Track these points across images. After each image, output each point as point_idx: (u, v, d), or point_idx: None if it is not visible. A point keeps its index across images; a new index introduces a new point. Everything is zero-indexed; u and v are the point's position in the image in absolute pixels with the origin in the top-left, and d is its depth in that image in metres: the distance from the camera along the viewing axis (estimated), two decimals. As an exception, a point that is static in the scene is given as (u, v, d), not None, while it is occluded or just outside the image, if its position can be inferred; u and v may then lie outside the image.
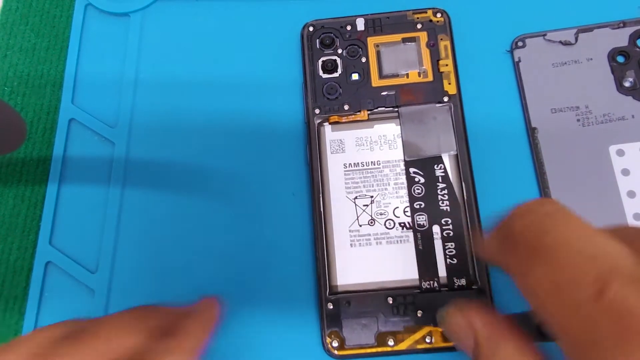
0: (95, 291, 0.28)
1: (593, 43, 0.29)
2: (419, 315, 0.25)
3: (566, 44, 0.29)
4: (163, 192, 0.29)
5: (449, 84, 0.28)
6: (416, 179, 0.27)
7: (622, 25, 0.29)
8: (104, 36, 0.32)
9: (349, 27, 0.30)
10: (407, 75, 0.29)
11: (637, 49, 0.28)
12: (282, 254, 0.27)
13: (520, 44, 0.29)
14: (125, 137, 0.30)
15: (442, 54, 0.29)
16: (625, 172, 0.27)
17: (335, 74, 0.29)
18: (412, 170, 0.27)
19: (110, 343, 0.20)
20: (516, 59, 0.29)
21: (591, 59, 0.28)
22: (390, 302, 0.26)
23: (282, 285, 0.27)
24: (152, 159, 0.30)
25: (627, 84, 0.28)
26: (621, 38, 0.28)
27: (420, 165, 0.27)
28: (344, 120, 0.28)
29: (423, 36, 0.29)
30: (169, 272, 0.28)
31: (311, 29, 0.30)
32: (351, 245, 0.27)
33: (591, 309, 0.13)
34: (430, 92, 0.28)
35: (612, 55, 0.28)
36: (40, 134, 0.31)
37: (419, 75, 0.29)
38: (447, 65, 0.29)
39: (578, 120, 0.28)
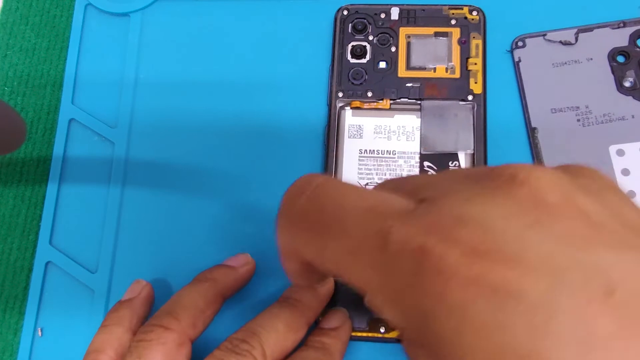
0: (95, 291, 0.28)
1: (593, 43, 0.29)
2: None
3: (566, 44, 0.29)
4: (163, 192, 0.29)
5: (475, 83, 0.28)
6: (429, 173, 0.27)
7: (622, 25, 0.29)
8: (104, 36, 0.32)
9: (382, 15, 0.30)
10: (435, 69, 0.29)
11: (637, 49, 0.28)
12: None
13: (520, 44, 0.29)
14: (125, 137, 0.30)
15: (473, 52, 0.29)
16: (625, 172, 0.27)
17: (363, 60, 0.29)
18: (426, 163, 0.27)
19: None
20: (516, 59, 0.29)
21: (591, 59, 0.28)
22: None
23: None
24: (152, 159, 0.30)
25: (627, 84, 0.28)
26: (621, 38, 0.28)
27: (435, 160, 0.27)
28: (365, 107, 0.29)
29: (456, 32, 0.29)
30: (169, 272, 0.28)
31: (345, 12, 0.30)
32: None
33: (383, 259, 0.14)
34: (455, 88, 0.28)
35: (612, 55, 0.28)
36: (40, 134, 0.31)
37: (446, 71, 0.29)
38: (476, 64, 0.29)
39: (578, 120, 0.28)
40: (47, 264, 0.29)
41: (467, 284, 0.12)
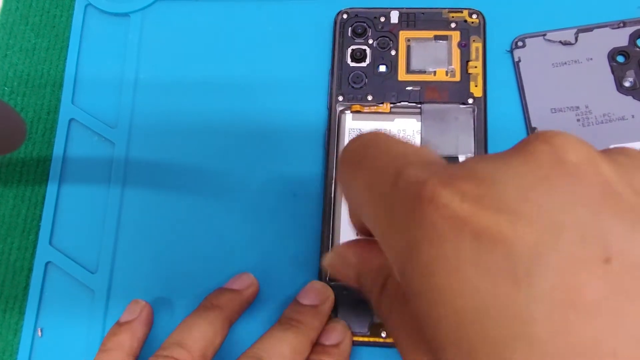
0: (95, 291, 0.28)
1: (593, 43, 0.29)
2: None
3: (566, 44, 0.29)
4: (163, 192, 0.29)
5: (476, 86, 0.28)
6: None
7: (622, 25, 0.29)
8: (104, 36, 0.32)
9: (382, 19, 0.30)
10: (435, 73, 0.29)
11: (637, 49, 0.28)
12: (287, 247, 0.28)
13: (520, 44, 0.29)
14: (125, 137, 0.30)
15: (473, 56, 0.29)
16: (625, 172, 0.27)
17: (363, 64, 0.29)
18: None
19: None
20: (516, 59, 0.29)
21: (591, 59, 0.28)
22: None
23: (286, 273, 0.27)
24: (152, 159, 0.30)
25: (627, 84, 0.28)
26: (621, 38, 0.28)
27: None
28: (365, 111, 0.29)
29: (455, 35, 0.29)
30: (169, 272, 0.28)
31: (345, 16, 0.30)
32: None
33: (390, 194, 0.14)
34: (455, 92, 0.28)
35: (612, 55, 0.28)
36: (40, 134, 0.31)
37: (447, 74, 0.29)
38: (476, 67, 0.28)
39: (578, 120, 0.28)
40: (47, 264, 0.29)
41: (455, 219, 0.12)
